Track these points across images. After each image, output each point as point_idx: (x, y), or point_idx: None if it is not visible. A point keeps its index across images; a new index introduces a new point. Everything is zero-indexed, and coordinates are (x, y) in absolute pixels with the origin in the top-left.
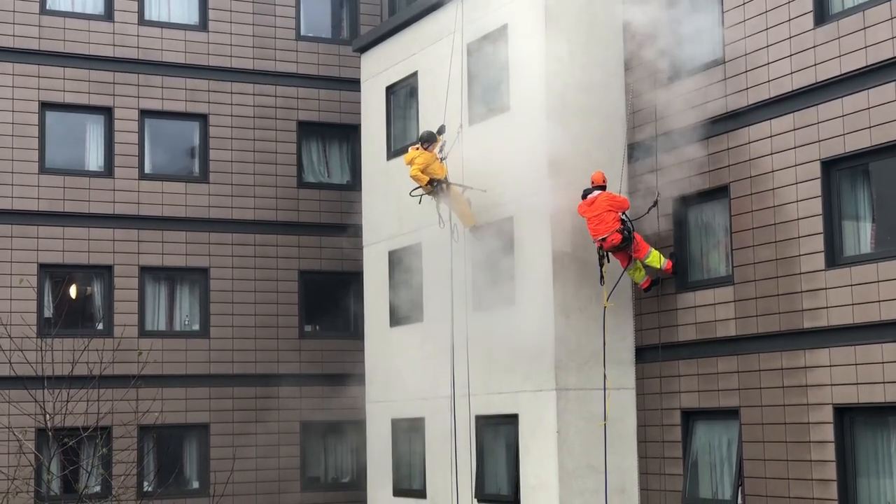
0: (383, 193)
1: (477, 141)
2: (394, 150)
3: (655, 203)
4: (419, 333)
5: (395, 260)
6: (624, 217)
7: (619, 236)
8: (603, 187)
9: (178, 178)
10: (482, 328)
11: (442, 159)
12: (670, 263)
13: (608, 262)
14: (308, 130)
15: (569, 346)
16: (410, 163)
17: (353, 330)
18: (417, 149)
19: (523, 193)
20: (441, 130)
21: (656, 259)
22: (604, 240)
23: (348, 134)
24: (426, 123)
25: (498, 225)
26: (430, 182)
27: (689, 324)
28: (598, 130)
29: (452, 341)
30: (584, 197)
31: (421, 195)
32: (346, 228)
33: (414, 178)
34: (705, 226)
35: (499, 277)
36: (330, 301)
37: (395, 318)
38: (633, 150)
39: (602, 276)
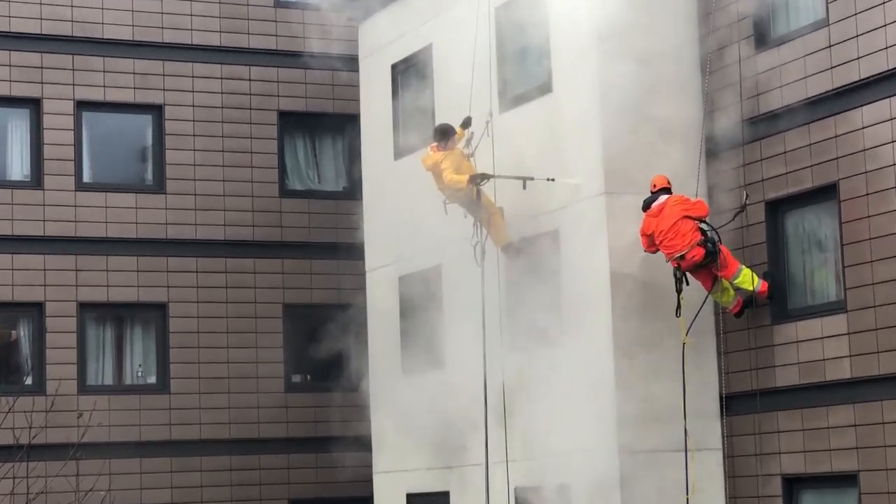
0: (391, 203)
1: (510, 133)
2: (403, 147)
3: (743, 208)
4: (440, 383)
5: (408, 288)
6: (704, 226)
7: (702, 250)
8: (668, 190)
9: (126, 189)
10: (520, 375)
11: (470, 156)
12: (765, 285)
13: (687, 284)
14: (292, 123)
15: (634, 395)
16: (434, 168)
17: (354, 380)
18: (436, 149)
19: (572, 200)
20: (466, 123)
21: (748, 279)
22: (682, 257)
23: (344, 127)
24: (445, 112)
25: (539, 241)
26: (475, 178)
27: (789, 364)
28: (666, 116)
29: (485, 393)
30: (645, 208)
31: (445, 203)
32: (344, 249)
33: (451, 185)
34: (808, 236)
35: (541, 309)
36: (324, 343)
37: (409, 364)
38: (712, 141)
39: (679, 305)
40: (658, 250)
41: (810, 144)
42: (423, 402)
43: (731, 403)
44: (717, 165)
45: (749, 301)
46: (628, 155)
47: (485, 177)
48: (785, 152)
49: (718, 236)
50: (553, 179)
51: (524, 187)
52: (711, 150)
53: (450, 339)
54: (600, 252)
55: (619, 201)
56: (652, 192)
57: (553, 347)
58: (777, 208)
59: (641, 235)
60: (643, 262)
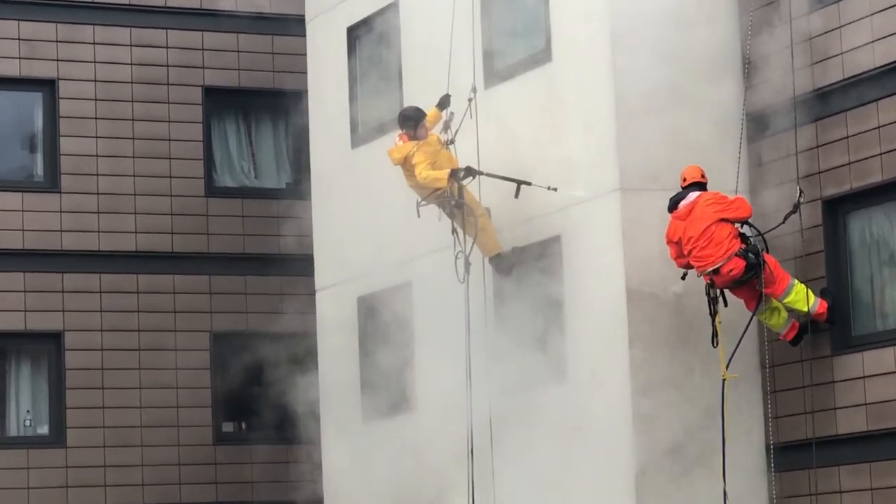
0: (347, 204)
1: (499, 114)
2: (363, 133)
3: (796, 208)
4: (410, 431)
5: (369, 312)
6: (746, 231)
7: (742, 263)
8: (702, 186)
9: (9, 186)
10: (515, 420)
11: (448, 143)
12: (824, 305)
13: (725, 305)
14: (222, 102)
15: (657, 445)
16: (404, 163)
17: (301, 429)
18: (406, 138)
19: (577, 198)
20: (444, 103)
21: (802, 297)
22: (716, 271)
23: (287, 107)
24: (415, 88)
25: (537, 251)
26: (457, 175)
27: (855, 406)
28: (697, 92)
29: (469, 444)
30: (672, 208)
31: (418, 204)
32: (288, 263)
33: (427, 183)
34: (877, 244)
35: (539, 337)
36: (263, 383)
37: (371, 408)
38: (756, 123)
39: (716, 332)
40: (690, 263)
41: (879, 127)
42: (388, 456)
43: (781, 456)
44: (762, 153)
45: (805, 326)
46: (650, 141)
47: (470, 172)
48: (847, 137)
49: (765, 244)
50: (556, 189)
51: (517, 195)
52: (754, 135)
53: (423, 376)
54: (614, 264)
55: (639, 200)
56: (682, 188)
57: (554, 385)
58: (837, 208)
59: (668, 243)
60: (668, 277)
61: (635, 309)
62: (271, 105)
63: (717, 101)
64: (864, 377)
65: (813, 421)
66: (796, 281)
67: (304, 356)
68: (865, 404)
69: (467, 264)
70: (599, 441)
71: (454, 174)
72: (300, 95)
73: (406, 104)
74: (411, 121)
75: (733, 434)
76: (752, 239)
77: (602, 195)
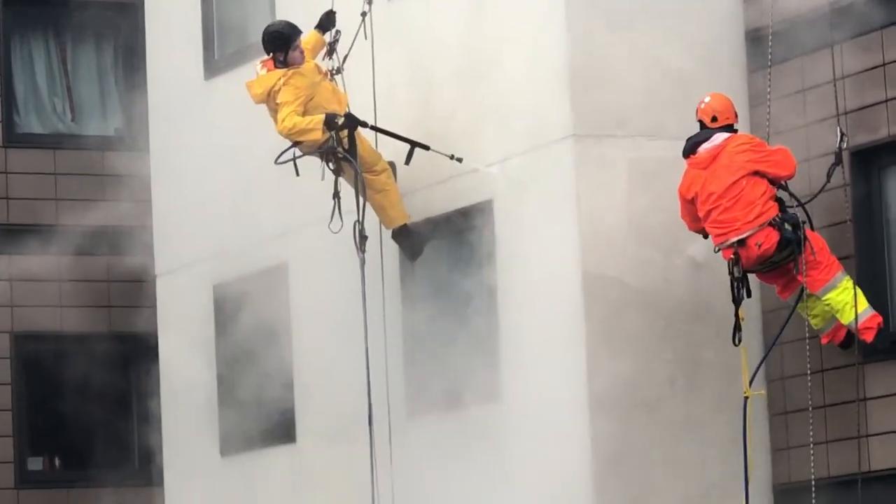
0: (199, 157)
1: (405, 33)
2: (221, 58)
3: (839, 158)
4: (287, 470)
5: (230, 304)
6: (783, 196)
7: (776, 236)
8: (731, 128)
9: None
10: (429, 447)
11: (335, 73)
12: (877, 319)
13: (748, 296)
14: (24, 16)
15: (623, 481)
16: (266, 99)
17: (135, 467)
18: (270, 65)
19: (516, 149)
20: (327, 23)
21: (849, 299)
22: (742, 242)
23: (118, 22)
24: (287, 5)
25: (459, 221)
26: (333, 125)
27: (893, 432)
28: (677, 4)
29: (374, 487)
30: (689, 152)
31: (294, 158)
32: (116, 238)
33: (293, 134)
34: None
35: (463, 338)
36: (83, 402)
37: (232, 437)
38: (755, 45)
39: (739, 327)
40: (705, 231)
41: None
42: (257, 501)
43: (792, 499)
44: (779, 84)
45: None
46: (614, 71)
47: (354, 122)
48: (884, 64)
49: (807, 215)
50: (460, 160)
51: (408, 161)
52: (753, 62)
53: (304, 391)
54: (565, 239)
55: (599, 151)
56: (703, 128)
57: (484, 403)
58: (870, 162)
59: (681, 200)
60: (638, 257)
61: (594, 299)
62: (94, 20)
63: (707, 13)
64: None
65: (836, 453)
66: (847, 277)
67: (140, 366)
68: None
69: (362, 239)
70: (545, 478)
71: (329, 121)
72: (134, 7)
73: (278, 17)
74: (281, 40)
75: (728, 471)
76: (790, 207)
77: (549, 144)
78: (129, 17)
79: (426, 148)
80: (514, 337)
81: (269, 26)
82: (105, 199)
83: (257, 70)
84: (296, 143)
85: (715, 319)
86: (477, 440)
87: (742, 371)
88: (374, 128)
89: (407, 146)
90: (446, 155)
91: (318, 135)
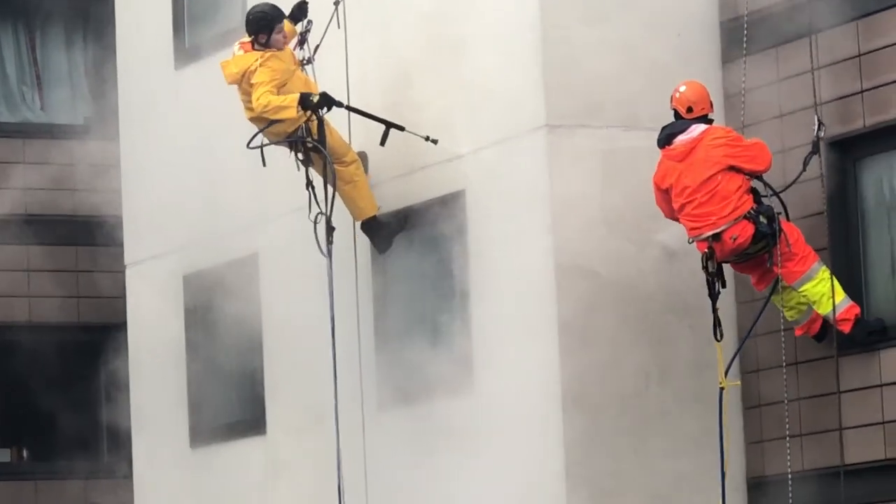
0: (170, 148)
1: (377, 23)
2: (192, 47)
3: (816, 146)
4: (258, 462)
5: (200, 295)
6: (758, 188)
7: (751, 228)
8: (707, 119)
9: None
10: (401, 441)
11: (305, 63)
12: (855, 310)
13: (723, 286)
14: None
15: (594, 478)
16: (241, 81)
17: (104, 459)
18: (249, 47)
19: (489, 139)
20: (299, 13)
21: (826, 290)
22: (717, 236)
23: (86, 13)
24: None
25: (431, 212)
26: (308, 103)
27: (869, 425)
28: None
29: (339, 481)
30: (664, 143)
31: (262, 145)
32: (87, 228)
33: (267, 111)
34: None
35: (434, 331)
36: (52, 395)
37: (203, 429)
38: (731, 34)
39: (718, 322)
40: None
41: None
42: (227, 493)
43: (767, 494)
44: (757, 72)
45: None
46: (588, 60)
47: (329, 102)
48: (860, 55)
49: (783, 206)
50: (435, 141)
51: (383, 142)
52: (729, 51)
53: (275, 383)
54: (539, 230)
55: (572, 142)
56: (678, 118)
57: (455, 397)
58: (846, 152)
59: (656, 189)
60: (614, 249)
61: (566, 291)
62: (64, 8)
63: (680, 4)
64: (882, 385)
65: (810, 446)
66: (823, 267)
67: (110, 357)
68: (883, 423)
69: (330, 230)
70: (517, 474)
71: (304, 100)
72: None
73: (248, 6)
74: (265, 21)
75: (701, 465)
76: (766, 199)
77: (523, 134)
78: (99, 6)
79: (401, 128)
80: (486, 329)
81: (253, 7)
82: (74, 189)
83: (234, 51)
84: (269, 124)
85: (688, 312)
86: (448, 433)
87: (717, 363)
88: (349, 108)
89: (382, 130)
90: (421, 136)
91: (292, 112)
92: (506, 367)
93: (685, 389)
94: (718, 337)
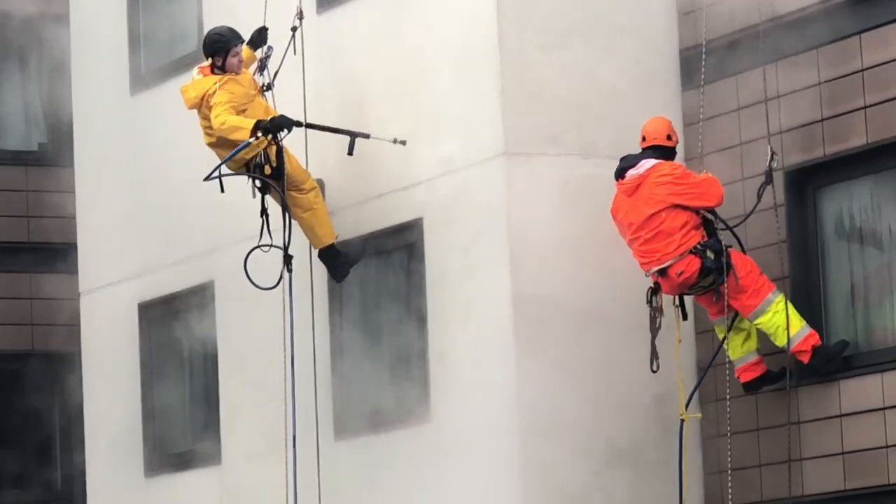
0: (124, 172)
1: (334, 49)
2: (148, 72)
3: (769, 177)
4: (213, 492)
5: (155, 324)
6: (711, 219)
7: (698, 263)
8: (669, 151)
9: None
10: (355, 475)
11: (266, 89)
12: (813, 338)
13: (684, 318)
14: None
15: None
16: (199, 104)
17: (58, 488)
18: (206, 71)
19: (447, 166)
20: (258, 39)
21: (781, 321)
22: (663, 272)
23: (40, 38)
24: (219, 11)
25: (388, 239)
26: (264, 125)
27: (828, 455)
28: (611, 20)
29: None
30: (618, 176)
31: (220, 175)
32: (41, 255)
33: (225, 133)
34: (861, 231)
35: (391, 361)
36: (5, 424)
37: (157, 458)
38: (689, 64)
39: (655, 352)
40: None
41: (863, 70)
42: None
43: None
44: (713, 102)
45: (783, 370)
46: (547, 86)
47: (286, 123)
48: (820, 83)
49: (736, 238)
50: (404, 142)
51: (350, 151)
52: (686, 81)
53: (231, 414)
54: (496, 258)
55: (531, 169)
56: (642, 147)
57: (412, 427)
58: (805, 181)
59: (613, 219)
60: (571, 276)
61: (524, 319)
62: (18, 33)
63: (640, 30)
64: (842, 416)
65: (769, 477)
66: (780, 296)
67: (64, 385)
68: (843, 454)
69: (288, 259)
70: (475, 500)
71: (260, 125)
72: (59, 20)
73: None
74: (221, 43)
75: (660, 494)
76: (714, 233)
77: (481, 162)
78: (54, 31)
79: (366, 136)
80: (444, 357)
81: (211, 29)
82: (28, 216)
83: (194, 75)
84: (231, 156)
85: (648, 340)
86: (406, 461)
87: (678, 393)
88: (309, 125)
89: (344, 154)
90: (388, 140)
91: (245, 134)
92: (463, 395)
93: (645, 417)
94: (654, 368)
